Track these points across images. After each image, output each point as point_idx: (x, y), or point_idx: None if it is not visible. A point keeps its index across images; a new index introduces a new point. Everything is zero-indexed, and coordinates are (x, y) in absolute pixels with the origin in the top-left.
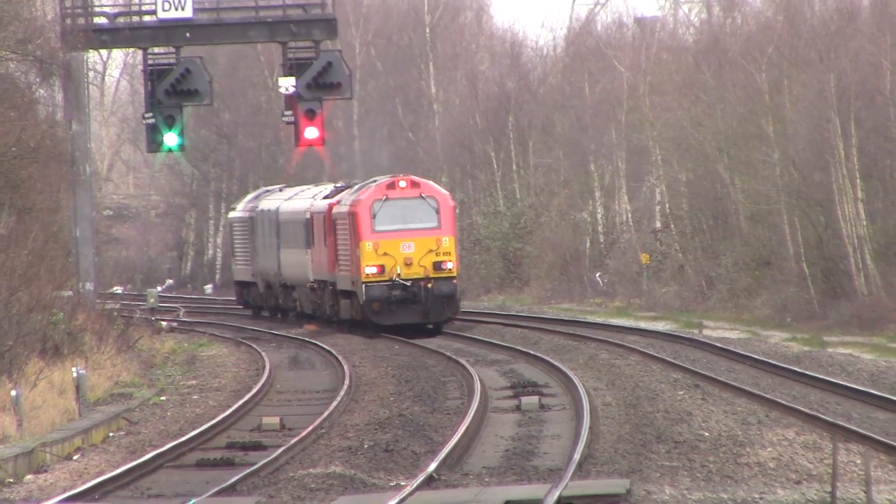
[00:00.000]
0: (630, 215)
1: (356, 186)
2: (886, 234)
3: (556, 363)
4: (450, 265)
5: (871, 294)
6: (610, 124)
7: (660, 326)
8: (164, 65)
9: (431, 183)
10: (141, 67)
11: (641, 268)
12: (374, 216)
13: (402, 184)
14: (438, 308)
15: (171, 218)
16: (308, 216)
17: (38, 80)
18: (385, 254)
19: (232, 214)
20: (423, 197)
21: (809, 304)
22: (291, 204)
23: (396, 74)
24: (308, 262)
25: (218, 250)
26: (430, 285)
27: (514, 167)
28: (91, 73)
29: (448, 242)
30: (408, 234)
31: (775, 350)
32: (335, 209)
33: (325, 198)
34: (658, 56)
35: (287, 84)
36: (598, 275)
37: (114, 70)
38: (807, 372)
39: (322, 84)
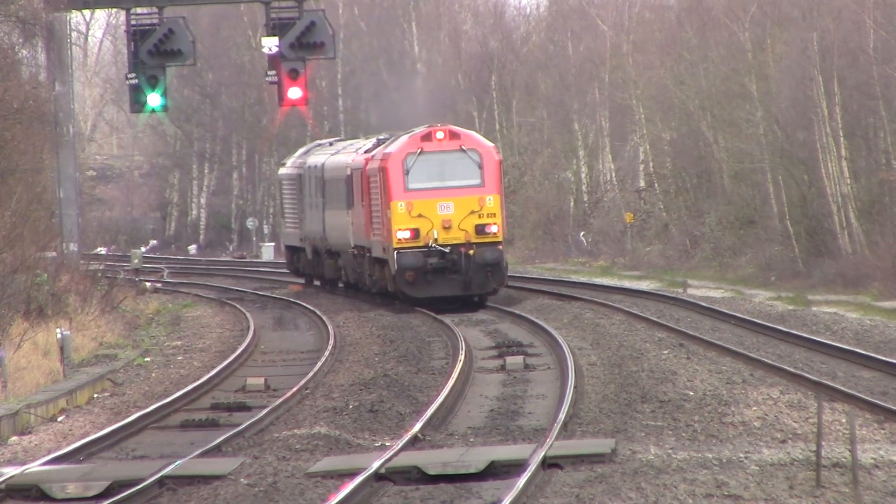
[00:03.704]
0: (614, 174)
1: (392, 138)
2: (870, 192)
3: (540, 323)
4: (494, 228)
5: (855, 252)
6: (593, 83)
7: (644, 285)
8: (147, 25)
9: (474, 134)
10: (124, 28)
11: (625, 227)
12: (406, 172)
13: (440, 135)
14: (481, 278)
15: (154, 178)
16: (349, 173)
17: (20, 40)
18: (420, 216)
19: (281, 171)
20: (463, 149)
21: (794, 263)
22: (336, 159)
23: (380, 34)
24: (349, 224)
25: (202, 211)
26: (471, 252)
27: (498, 127)
28: (74, 34)
29: (493, 202)
30: (446, 193)
31: (760, 309)
32: (369, 165)
33: (367, 151)
34: (641, 15)
35: (270, 44)
36: (581, 234)
37: (97, 30)
38: (791, 331)
39: (305, 44)
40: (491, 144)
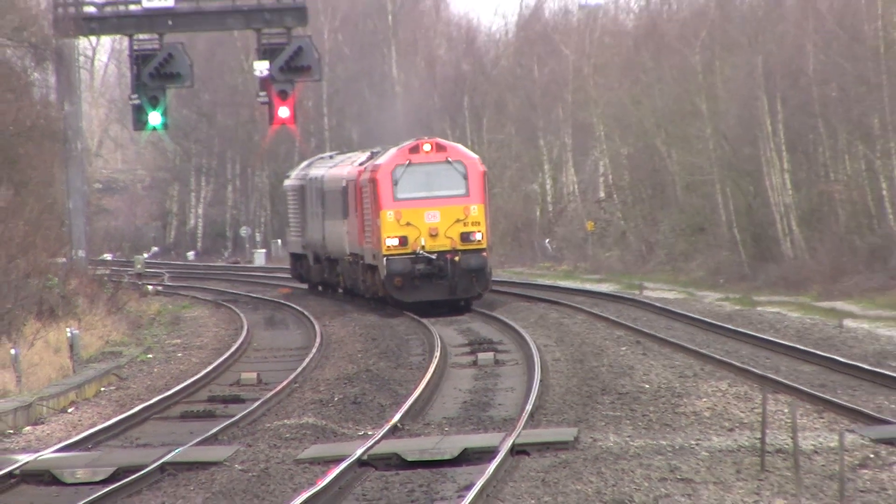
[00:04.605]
0: (576, 186)
1: (383, 151)
2: (810, 202)
3: (509, 322)
4: (479, 236)
5: (796, 257)
6: (557, 103)
7: (604, 288)
8: (149, 50)
9: (459, 146)
10: (127, 52)
11: (587, 234)
12: (395, 183)
13: (427, 147)
14: (466, 283)
15: (155, 190)
16: (344, 184)
17: (32, 64)
18: (408, 224)
19: (286, 183)
20: (449, 161)
21: (740, 267)
22: (334, 171)
23: (362, 58)
24: (345, 233)
25: (199, 220)
26: (457, 258)
27: (469, 143)
28: (81, 58)
29: (477, 211)
30: (433, 203)
31: (709, 309)
32: (362, 176)
33: (361, 164)
34: (601, 40)
35: (261, 67)
36: (547, 241)
37: (102, 55)
38: (738, 329)
39: (293, 67)
40: (476, 156)
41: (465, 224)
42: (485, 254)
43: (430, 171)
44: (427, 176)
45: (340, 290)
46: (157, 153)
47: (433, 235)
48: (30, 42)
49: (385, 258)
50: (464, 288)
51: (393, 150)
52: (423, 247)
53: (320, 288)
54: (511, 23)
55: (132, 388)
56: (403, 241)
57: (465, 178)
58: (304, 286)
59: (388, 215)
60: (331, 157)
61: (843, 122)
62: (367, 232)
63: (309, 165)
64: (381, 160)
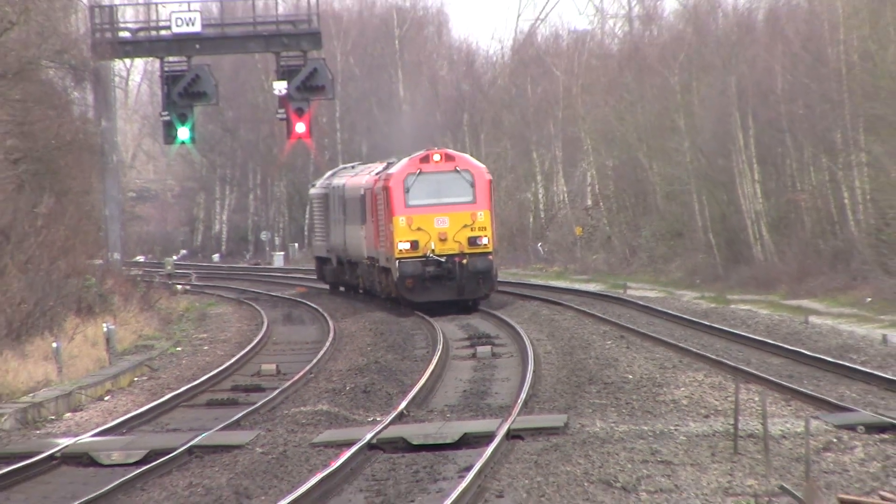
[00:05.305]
0: (566, 195)
1: (398, 161)
2: (779, 209)
3: (505, 318)
4: (485, 240)
5: (766, 259)
6: (548, 119)
7: (591, 287)
8: (178, 71)
9: (467, 156)
10: (158, 73)
11: (575, 239)
12: (407, 190)
13: (437, 157)
14: (473, 284)
15: (184, 199)
16: (362, 192)
17: (72, 84)
18: (419, 229)
19: (311, 191)
20: (457, 170)
21: (715, 268)
22: (354, 180)
23: (371, 79)
24: (363, 237)
25: (223, 225)
26: (464, 261)
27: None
28: (117, 79)
29: (483, 217)
30: (442, 209)
31: (687, 306)
32: (377, 184)
33: (377, 174)
34: (588, 62)
35: (280, 87)
36: (539, 245)
37: (136, 75)
38: (713, 325)
39: (309, 87)
40: (482, 166)
41: (472, 229)
42: (491, 257)
43: (440, 179)
44: (437, 184)
45: (361, 291)
46: (186, 165)
47: (442, 240)
48: (70, 64)
49: (397, 261)
50: (471, 289)
51: (405, 160)
52: (432, 250)
53: (342, 289)
54: (507, 47)
55: (162, 378)
56: (415, 245)
57: (473, 185)
58: (326, 286)
59: (400, 221)
60: (352, 167)
61: (809, 137)
62: (382, 236)
63: (333, 175)
64: (393, 169)
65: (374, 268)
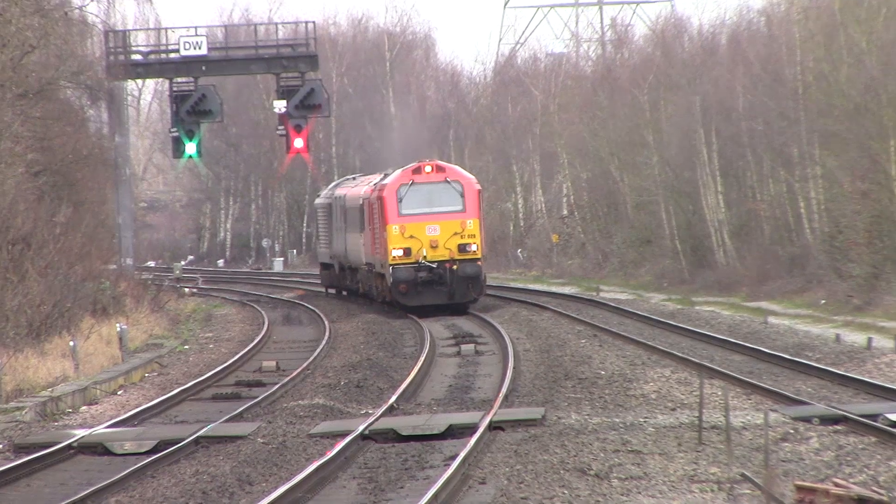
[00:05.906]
0: (543, 205)
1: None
2: (740, 218)
3: (487, 319)
4: (474, 247)
5: (728, 264)
6: (527, 135)
7: (566, 290)
8: (186, 91)
9: (457, 167)
10: (168, 93)
11: (552, 245)
12: (400, 200)
13: (428, 168)
14: (463, 289)
15: (191, 208)
16: (361, 202)
17: (88, 103)
18: (411, 236)
19: (316, 201)
20: (448, 181)
21: (681, 273)
22: (354, 191)
23: (364, 98)
24: (362, 245)
25: (228, 233)
26: (454, 267)
27: None
28: (129, 98)
29: (472, 225)
30: (433, 218)
31: (655, 308)
32: (373, 194)
33: (374, 184)
34: (564, 83)
35: (280, 105)
36: (519, 251)
37: (147, 95)
38: (679, 324)
39: (307, 105)
40: (471, 177)
41: (461, 236)
42: (479, 262)
43: (431, 189)
44: (428, 194)
45: (360, 295)
46: (193, 177)
47: (434, 247)
48: (86, 84)
49: (392, 267)
50: (461, 293)
51: (398, 172)
52: (424, 257)
53: (344, 293)
54: (489, 68)
55: (171, 374)
56: (407, 251)
57: (462, 195)
58: (323, 290)
59: (393, 229)
60: (353, 178)
61: (768, 152)
62: (377, 244)
63: (336, 186)
64: (387, 180)
65: (371, 273)
